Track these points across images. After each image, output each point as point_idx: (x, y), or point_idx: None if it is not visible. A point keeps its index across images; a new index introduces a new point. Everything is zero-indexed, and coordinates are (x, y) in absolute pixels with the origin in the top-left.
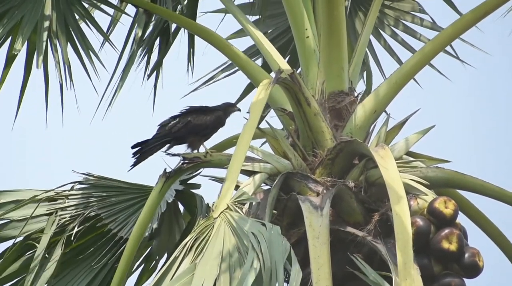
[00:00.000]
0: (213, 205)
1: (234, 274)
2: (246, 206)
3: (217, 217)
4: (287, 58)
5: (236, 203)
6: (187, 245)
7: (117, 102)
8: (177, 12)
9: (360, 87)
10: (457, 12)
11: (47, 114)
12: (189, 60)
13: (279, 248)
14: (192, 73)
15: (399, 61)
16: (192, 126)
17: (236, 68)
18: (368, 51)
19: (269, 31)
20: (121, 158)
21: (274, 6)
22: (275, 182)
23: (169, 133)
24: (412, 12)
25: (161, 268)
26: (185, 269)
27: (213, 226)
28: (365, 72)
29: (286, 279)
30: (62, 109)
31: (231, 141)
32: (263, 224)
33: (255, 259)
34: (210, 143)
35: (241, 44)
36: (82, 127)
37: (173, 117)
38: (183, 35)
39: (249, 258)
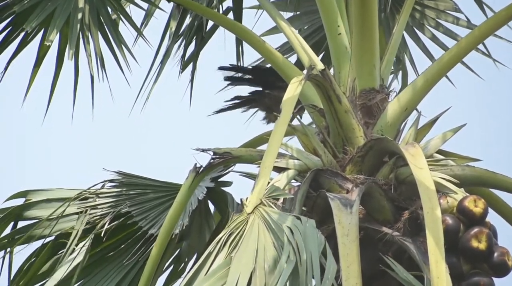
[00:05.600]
0: (246, 200)
1: (270, 267)
2: (279, 201)
3: (250, 212)
4: (321, 56)
5: (270, 198)
6: (221, 241)
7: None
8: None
9: (392, 85)
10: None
11: (73, 108)
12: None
13: (314, 241)
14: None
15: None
16: None
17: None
18: (403, 50)
19: (304, 28)
20: (152, 155)
21: (309, 2)
22: (304, 179)
23: None
24: (448, 11)
25: (194, 264)
26: (221, 263)
27: (247, 221)
28: (400, 72)
29: (322, 272)
30: (93, 103)
31: (262, 138)
32: (298, 218)
33: (291, 252)
34: (240, 142)
35: (273, 42)
36: (111, 123)
37: None
38: (221, 33)
39: (285, 251)
